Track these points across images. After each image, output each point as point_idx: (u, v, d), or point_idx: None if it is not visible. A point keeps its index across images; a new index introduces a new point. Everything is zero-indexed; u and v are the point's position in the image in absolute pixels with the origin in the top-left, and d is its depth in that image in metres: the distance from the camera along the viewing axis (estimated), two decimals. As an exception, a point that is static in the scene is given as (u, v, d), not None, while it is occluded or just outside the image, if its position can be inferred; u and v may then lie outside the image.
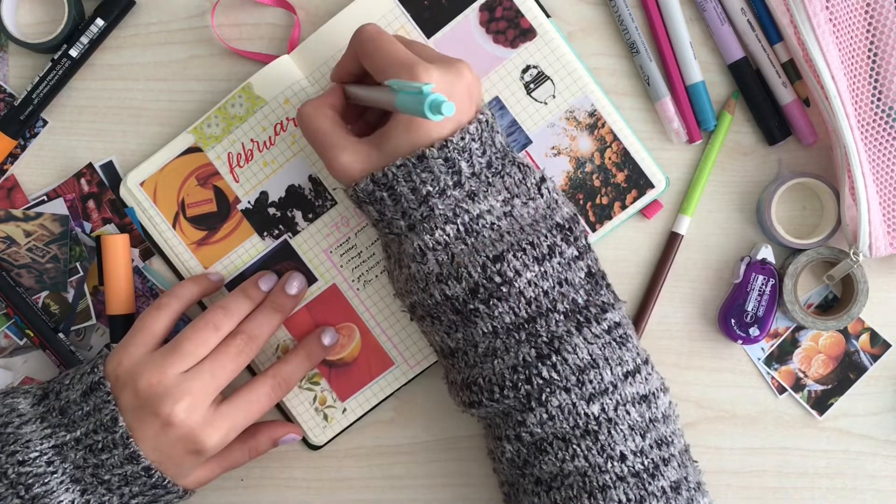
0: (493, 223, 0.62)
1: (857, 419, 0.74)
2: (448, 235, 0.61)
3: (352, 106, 0.67)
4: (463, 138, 0.60)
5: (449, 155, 0.60)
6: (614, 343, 0.62)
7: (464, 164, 0.61)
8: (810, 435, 0.74)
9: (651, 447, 0.62)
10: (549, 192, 0.64)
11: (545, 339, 0.61)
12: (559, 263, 0.62)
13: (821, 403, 0.74)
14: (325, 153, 0.63)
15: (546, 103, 0.72)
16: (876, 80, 0.69)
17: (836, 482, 0.75)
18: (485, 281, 0.61)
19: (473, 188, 0.61)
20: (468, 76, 0.61)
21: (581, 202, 0.72)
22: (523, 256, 0.61)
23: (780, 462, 0.75)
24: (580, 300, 0.63)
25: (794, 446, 0.74)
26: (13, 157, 0.73)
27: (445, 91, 0.60)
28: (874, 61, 0.69)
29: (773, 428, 0.74)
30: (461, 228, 0.61)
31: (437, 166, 0.60)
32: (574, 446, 0.61)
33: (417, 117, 0.58)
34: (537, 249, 0.61)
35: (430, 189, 0.60)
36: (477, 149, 0.61)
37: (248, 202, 0.72)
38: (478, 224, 0.62)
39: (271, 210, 0.72)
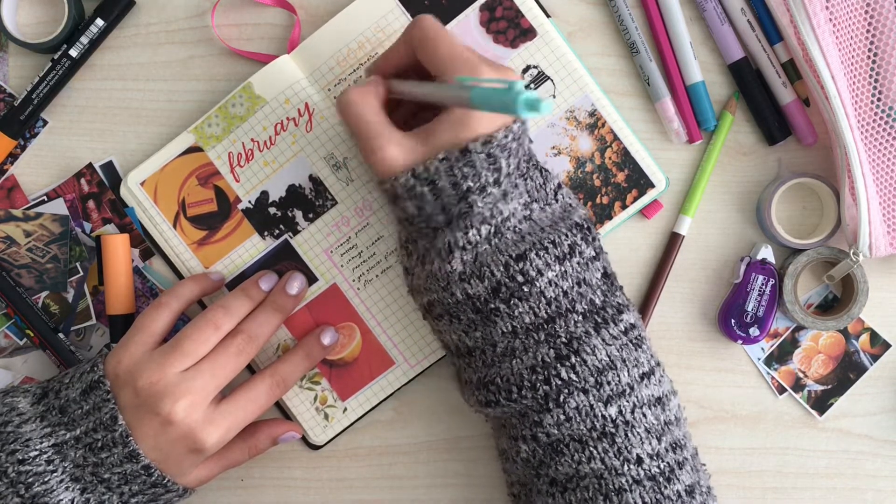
0: (515, 226, 0.62)
1: (857, 419, 0.74)
2: (480, 235, 0.61)
3: (388, 101, 0.66)
4: (507, 136, 0.59)
5: (492, 151, 0.59)
6: (631, 344, 0.62)
7: (503, 162, 0.60)
8: (810, 435, 0.74)
9: (666, 450, 0.62)
10: (565, 198, 0.65)
11: (564, 339, 0.61)
12: (578, 263, 0.62)
13: (821, 403, 0.74)
14: (368, 142, 0.61)
15: (546, 103, 0.72)
16: (876, 80, 0.69)
17: (836, 482, 0.75)
18: (507, 280, 0.61)
19: (506, 188, 0.61)
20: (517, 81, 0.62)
21: (581, 202, 0.72)
22: (545, 255, 0.61)
23: (780, 462, 0.74)
24: (597, 301, 0.62)
25: (794, 446, 0.74)
26: (13, 157, 0.73)
27: None
28: (874, 61, 0.69)
29: (773, 428, 0.74)
30: (492, 230, 0.61)
31: (479, 161, 0.59)
32: (591, 448, 0.61)
33: (481, 112, 0.57)
34: (559, 248, 0.61)
35: (471, 185, 0.59)
36: (515, 149, 0.61)
37: (249, 202, 0.72)
38: (504, 226, 0.61)
39: (272, 210, 0.72)
